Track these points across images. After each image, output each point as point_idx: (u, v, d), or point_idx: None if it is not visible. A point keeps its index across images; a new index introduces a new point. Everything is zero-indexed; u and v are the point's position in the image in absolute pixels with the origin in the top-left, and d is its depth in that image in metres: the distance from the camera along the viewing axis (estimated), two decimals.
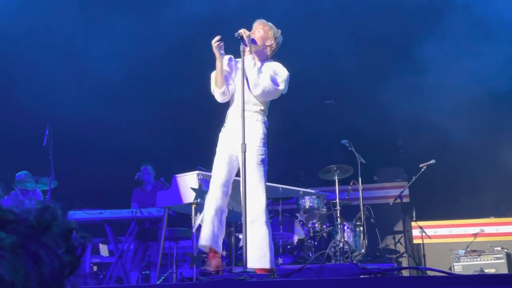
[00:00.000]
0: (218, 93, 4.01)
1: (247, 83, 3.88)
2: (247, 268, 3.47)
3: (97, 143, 8.40)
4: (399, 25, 8.25)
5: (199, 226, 3.90)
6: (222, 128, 4.07)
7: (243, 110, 3.78)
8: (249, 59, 3.89)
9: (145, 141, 8.58)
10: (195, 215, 4.27)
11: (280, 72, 4.01)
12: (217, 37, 3.90)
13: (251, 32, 3.97)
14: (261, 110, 3.99)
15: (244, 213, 3.55)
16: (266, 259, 3.70)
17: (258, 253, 3.69)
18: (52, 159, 6.45)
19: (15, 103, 8.12)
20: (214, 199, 3.84)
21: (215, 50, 3.90)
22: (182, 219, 6.52)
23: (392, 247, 7.57)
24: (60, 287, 0.53)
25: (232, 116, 4.01)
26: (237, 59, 4.09)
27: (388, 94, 7.78)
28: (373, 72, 8.42)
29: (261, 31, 4.02)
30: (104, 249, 7.58)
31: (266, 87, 3.89)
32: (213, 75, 4.07)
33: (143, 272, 6.93)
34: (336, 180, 6.75)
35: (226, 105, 4.09)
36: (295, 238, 6.18)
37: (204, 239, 3.78)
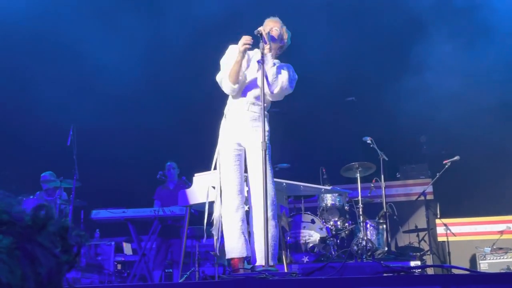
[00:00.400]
0: (229, 87, 3.91)
1: (267, 81, 3.88)
2: (268, 266, 3.46)
3: (120, 143, 8.48)
4: (416, 20, 8.15)
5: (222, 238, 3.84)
6: (223, 119, 4.00)
7: (263, 109, 3.78)
8: (269, 58, 3.88)
9: (167, 141, 8.65)
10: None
11: (293, 73, 4.04)
12: (250, 39, 3.83)
13: (269, 29, 3.96)
14: (266, 107, 3.98)
15: (265, 211, 3.54)
16: (275, 257, 3.77)
17: (272, 251, 3.72)
18: (76, 159, 6.53)
19: (39, 104, 8.25)
20: (235, 209, 3.79)
21: (241, 48, 3.83)
22: (203, 218, 6.54)
23: (416, 245, 7.47)
24: (57, 286, 0.52)
25: (238, 108, 3.95)
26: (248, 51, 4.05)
27: (410, 89, 7.68)
28: (395, 68, 8.31)
29: (278, 29, 4.00)
30: (127, 248, 7.66)
31: (284, 87, 3.92)
32: (225, 65, 3.98)
33: (166, 271, 6.98)
34: (358, 177, 6.69)
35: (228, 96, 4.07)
36: (317, 236, 6.14)
37: (241, 250, 3.73)
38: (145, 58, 8.47)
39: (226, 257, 3.82)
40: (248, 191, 3.88)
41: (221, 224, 3.80)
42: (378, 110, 8.48)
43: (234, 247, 3.75)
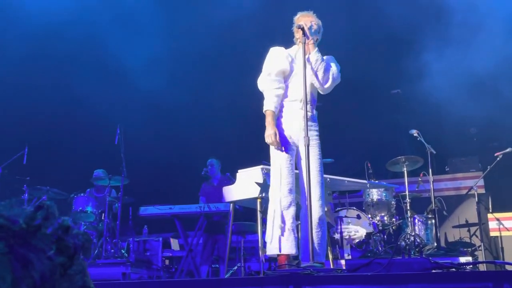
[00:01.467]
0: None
1: (317, 78, 3.91)
2: (314, 262, 3.44)
3: (166, 141, 8.64)
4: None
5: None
6: (280, 120, 3.99)
7: (305, 103, 3.74)
8: (314, 53, 3.88)
9: (211, 138, 8.73)
10: (261, 209, 4.27)
11: (337, 64, 4.07)
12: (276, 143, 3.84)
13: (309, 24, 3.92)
14: (314, 104, 4.04)
15: (309, 208, 3.52)
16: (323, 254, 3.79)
17: (320, 249, 3.70)
18: (123, 157, 6.68)
19: (88, 107, 8.52)
20: (287, 207, 3.78)
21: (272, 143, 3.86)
22: (248, 214, 6.57)
23: (467, 240, 7.24)
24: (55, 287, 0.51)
25: (291, 108, 3.94)
26: (289, 51, 4.04)
27: (458, 80, 7.44)
28: (440, 58, 8.06)
29: (315, 22, 3.97)
30: (175, 243, 7.79)
31: (334, 80, 3.98)
32: (267, 74, 3.97)
33: (212, 266, 7.05)
34: (405, 171, 6.53)
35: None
36: (363, 232, 6.04)
37: (291, 247, 3.73)
38: (189, 53, 8.55)
39: (275, 253, 3.81)
40: (299, 189, 3.87)
41: (274, 220, 3.78)
42: (425, 101, 8.25)
43: (283, 244, 3.74)
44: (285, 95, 3.96)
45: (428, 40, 8.20)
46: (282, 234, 3.74)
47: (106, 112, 8.22)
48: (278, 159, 3.86)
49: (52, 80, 8.46)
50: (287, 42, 4.12)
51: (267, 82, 3.94)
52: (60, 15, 8.30)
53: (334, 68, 3.98)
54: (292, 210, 3.79)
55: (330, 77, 3.92)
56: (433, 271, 3.29)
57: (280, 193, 3.79)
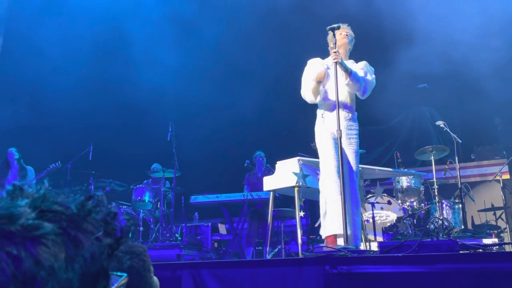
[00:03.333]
0: (311, 101, 4.06)
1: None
2: (348, 245, 3.39)
3: (213, 136, 8.70)
4: None
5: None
6: (321, 119, 4.01)
7: (338, 103, 3.71)
8: (350, 62, 4.07)
9: (252, 133, 8.74)
10: (299, 197, 4.25)
11: (371, 68, 4.16)
12: (323, 75, 3.89)
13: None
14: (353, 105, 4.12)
15: (343, 193, 3.48)
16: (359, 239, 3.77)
17: (360, 233, 3.66)
18: (175, 152, 6.79)
19: (141, 108, 8.69)
20: (337, 193, 3.75)
21: (316, 80, 3.91)
22: (287, 200, 6.58)
23: (493, 223, 6.98)
24: (101, 268, 0.53)
25: (331, 109, 3.96)
26: (325, 60, 4.07)
27: (480, 70, 7.14)
28: (464, 50, 7.75)
29: (348, 33, 4.11)
30: (222, 228, 7.86)
31: (368, 91, 4.06)
32: (305, 81, 4.05)
33: (256, 248, 7.09)
34: (433, 160, 6.34)
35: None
36: (394, 216, 5.91)
37: (339, 229, 3.70)
38: (230, 49, 8.53)
39: (327, 234, 3.79)
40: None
41: (326, 206, 3.77)
42: (450, 93, 7.97)
43: (334, 225, 3.71)
44: (325, 99, 3.96)
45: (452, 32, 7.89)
46: (335, 217, 3.72)
47: (159, 112, 8.37)
48: (327, 151, 3.88)
49: (112, 86, 8.66)
50: None
51: (304, 89, 4.05)
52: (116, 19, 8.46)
53: (368, 77, 3.99)
54: (341, 197, 3.74)
55: (361, 91, 3.96)
56: (461, 252, 3.18)
57: (330, 180, 3.79)
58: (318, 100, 4.01)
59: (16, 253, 0.46)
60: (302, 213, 4.24)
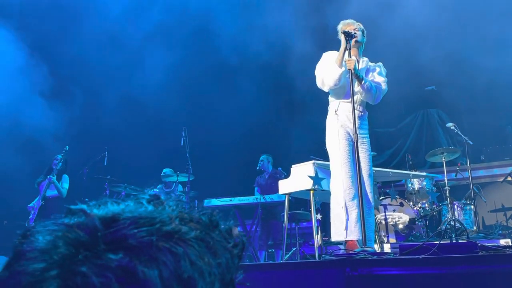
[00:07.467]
0: (334, 82, 3.79)
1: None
2: (367, 247, 3.35)
3: (225, 141, 8.68)
4: None
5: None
6: (335, 118, 3.90)
7: (353, 103, 3.66)
8: (365, 61, 4.01)
9: (264, 137, 8.71)
10: (314, 199, 4.21)
11: (384, 69, 4.12)
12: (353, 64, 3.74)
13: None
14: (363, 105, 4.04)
15: (360, 196, 3.43)
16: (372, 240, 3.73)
17: (373, 235, 3.61)
18: (188, 156, 6.77)
19: (152, 114, 8.70)
20: (352, 197, 3.69)
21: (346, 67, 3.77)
22: (299, 203, 6.55)
23: (504, 223, 6.89)
24: (232, 277, 0.55)
25: (346, 108, 3.85)
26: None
27: (489, 73, 7.08)
28: (473, 52, 7.68)
29: (357, 31, 3.95)
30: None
31: (379, 98, 3.99)
32: (323, 69, 3.90)
33: (269, 251, 7.04)
34: (444, 162, 6.28)
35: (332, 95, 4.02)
36: (406, 218, 5.85)
37: (358, 233, 3.63)
38: (248, 50, 8.51)
39: (344, 239, 3.70)
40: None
41: (340, 209, 3.69)
42: (459, 96, 7.90)
43: (352, 230, 3.64)
44: (340, 96, 3.90)
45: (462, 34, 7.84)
46: (352, 222, 3.65)
47: (172, 117, 8.36)
48: (340, 153, 3.78)
49: (123, 93, 8.67)
50: None
51: (320, 76, 3.89)
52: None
53: (383, 85, 3.91)
54: (356, 201, 3.66)
55: (371, 100, 3.89)
56: (480, 253, 3.13)
57: (344, 184, 3.70)
58: (341, 83, 3.81)
59: (175, 251, 0.49)
60: (319, 216, 4.19)
